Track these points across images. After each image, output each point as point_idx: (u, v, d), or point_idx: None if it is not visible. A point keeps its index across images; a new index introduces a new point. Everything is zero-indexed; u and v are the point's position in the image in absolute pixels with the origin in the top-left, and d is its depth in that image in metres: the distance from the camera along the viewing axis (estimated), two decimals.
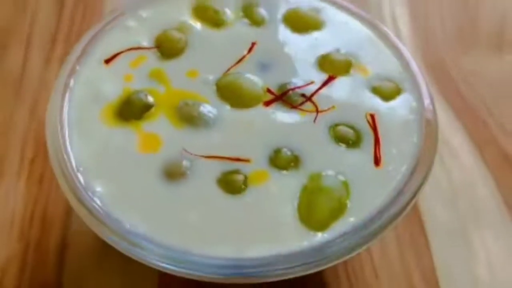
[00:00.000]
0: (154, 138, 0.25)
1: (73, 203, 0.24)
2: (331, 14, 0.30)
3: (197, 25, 0.29)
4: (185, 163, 0.25)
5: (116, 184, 0.24)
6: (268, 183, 0.24)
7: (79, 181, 0.24)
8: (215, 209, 0.24)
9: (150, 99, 0.26)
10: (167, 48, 0.28)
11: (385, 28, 0.29)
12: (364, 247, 0.23)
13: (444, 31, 0.40)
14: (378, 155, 0.25)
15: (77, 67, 0.27)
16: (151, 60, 0.28)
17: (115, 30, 0.29)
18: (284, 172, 0.25)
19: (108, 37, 0.28)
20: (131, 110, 0.26)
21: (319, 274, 0.30)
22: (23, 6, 0.40)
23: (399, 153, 0.25)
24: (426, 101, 0.27)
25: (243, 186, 0.24)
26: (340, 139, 0.26)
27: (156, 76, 0.27)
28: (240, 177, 0.24)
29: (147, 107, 0.26)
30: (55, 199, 0.32)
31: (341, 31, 0.29)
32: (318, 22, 0.30)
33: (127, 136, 0.25)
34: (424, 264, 0.30)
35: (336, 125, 0.26)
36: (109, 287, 0.29)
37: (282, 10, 0.30)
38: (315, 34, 0.29)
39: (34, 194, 0.32)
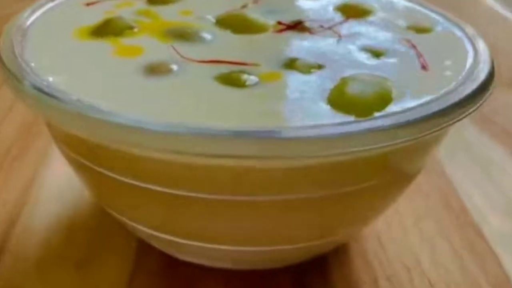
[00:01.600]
0: (135, 47, 0.20)
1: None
2: None
3: None
4: (173, 65, 0.19)
5: (83, 77, 0.18)
6: (283, 80, 0.18)
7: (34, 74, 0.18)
8: (212, 100, 0.17)
9: (134, 23, 0.21)
10: None
11: None
12: (413, 137, 0.16)
13: None
14: (424, 63, 0.20)
15: (52, 4, 0.23)
16: (140, 5, 0.24)
17: None
18: (305, 76, 0.19)
19: None
20: (109, 29, 0.21)
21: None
22: None
23: (451, 65, 0.20)
24: (470, 31, 0.22)
25: (249, 82, 0.18)
26: (373, 53, 0.20)
27: (144, 13, 0.23)
28: (245, 75, 0.18)
29: (129, 27, 0.21)
30: None
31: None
32: None
33: (101, 46, 0.20)
34: (491, 270, 0.22)
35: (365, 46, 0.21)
36: None
37: None
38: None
39: None
